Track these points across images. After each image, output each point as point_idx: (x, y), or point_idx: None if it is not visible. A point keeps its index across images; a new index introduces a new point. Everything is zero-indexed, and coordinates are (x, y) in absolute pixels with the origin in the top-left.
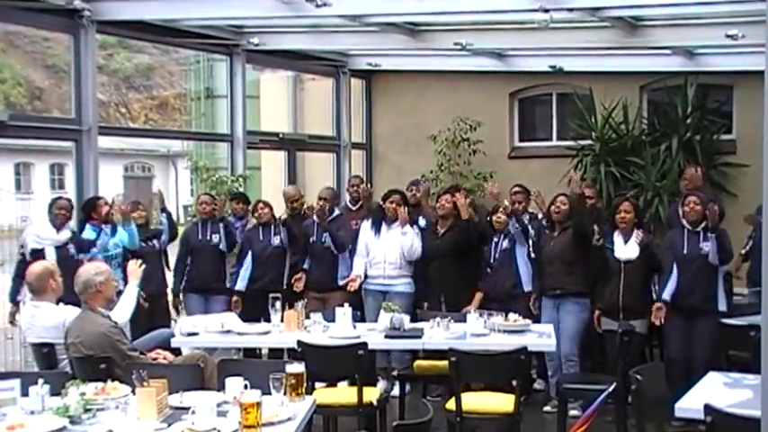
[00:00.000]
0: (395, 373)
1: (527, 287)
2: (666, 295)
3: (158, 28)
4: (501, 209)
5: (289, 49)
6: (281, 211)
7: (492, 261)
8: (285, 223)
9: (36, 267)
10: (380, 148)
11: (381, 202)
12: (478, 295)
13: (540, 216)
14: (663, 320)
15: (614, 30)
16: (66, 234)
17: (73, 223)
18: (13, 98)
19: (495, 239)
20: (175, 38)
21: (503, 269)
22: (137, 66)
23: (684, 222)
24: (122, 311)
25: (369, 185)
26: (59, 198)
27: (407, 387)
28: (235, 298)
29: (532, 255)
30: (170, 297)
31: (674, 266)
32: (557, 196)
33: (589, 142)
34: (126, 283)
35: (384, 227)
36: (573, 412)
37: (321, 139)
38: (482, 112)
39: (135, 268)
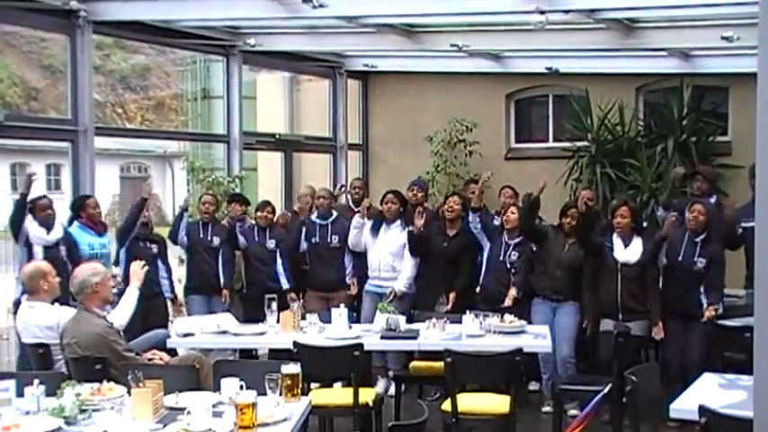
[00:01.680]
0: (391, 373)
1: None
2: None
3: (155, 28)
4: (509, 209)
5: (285, 50)
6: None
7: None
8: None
9: (28, 267)
10: (377, 149)
11: (380, 206)
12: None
13: (545, 222)
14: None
15: (610, 31)
16: (57, 234)
17: (64, 222)
18: (9, 98)
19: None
20: (172, 38)
21: (491, 270)
22: (133, 66)
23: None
24: (122, 314)
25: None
26: (39, 199)
27: (403, 388)
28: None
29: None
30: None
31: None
32: (567, 209)
33: (585, 143)
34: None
35: (383, 228)
36: (572, 412)
37: (317, 140)
38: (478, 114)
39: (137, 270)
